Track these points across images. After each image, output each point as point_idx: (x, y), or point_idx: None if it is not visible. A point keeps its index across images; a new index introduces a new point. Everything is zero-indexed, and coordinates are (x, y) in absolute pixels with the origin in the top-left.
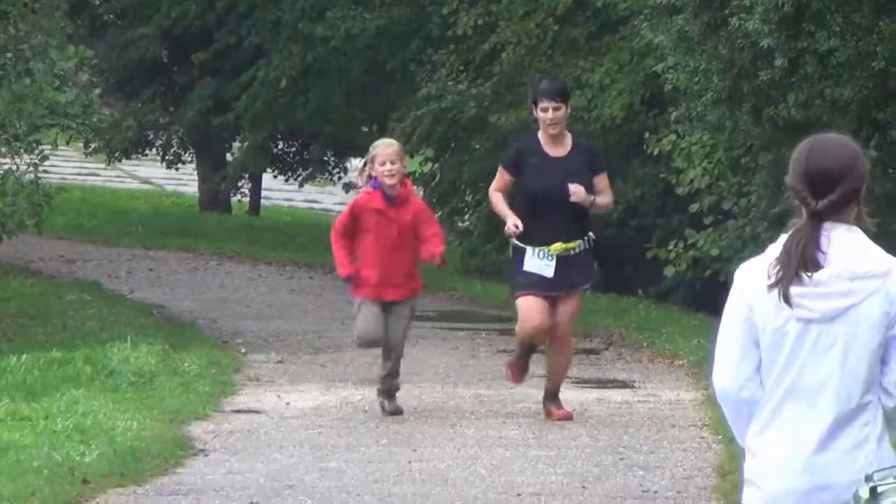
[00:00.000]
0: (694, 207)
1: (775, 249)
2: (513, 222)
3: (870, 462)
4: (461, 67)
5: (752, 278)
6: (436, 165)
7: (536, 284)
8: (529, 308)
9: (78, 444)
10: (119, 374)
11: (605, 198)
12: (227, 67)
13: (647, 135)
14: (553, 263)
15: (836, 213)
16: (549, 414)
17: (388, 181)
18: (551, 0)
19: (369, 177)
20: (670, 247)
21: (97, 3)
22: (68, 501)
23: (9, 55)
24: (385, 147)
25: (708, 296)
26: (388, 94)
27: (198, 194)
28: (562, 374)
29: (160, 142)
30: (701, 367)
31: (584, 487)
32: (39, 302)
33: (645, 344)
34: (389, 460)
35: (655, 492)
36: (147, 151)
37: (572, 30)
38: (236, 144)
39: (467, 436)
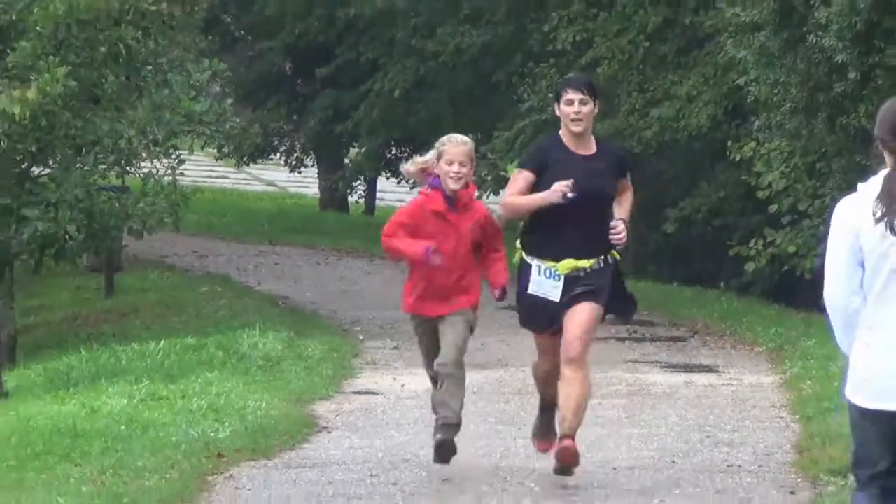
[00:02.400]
0: (773, 208)
1: (869, 189)
2: (557, 185)
3: None
4: (560, 80)
5: (855, 212)
6: None
7: (547, 319)
8: (545, 351)
9: (212, 421)
10: (249, 359)
11: (627, 206)
12: (346, 80)
13: (730, 142)
14: (560, 284)
15: None
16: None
17: (452, 184)
18: (643, 18)
19: (428, 174)
20: (751, 244)
21: (229, 20)
22: (204, 474)
23: (149, 68)
24: (456, 145)
25: (785, 289)
26: (493, 104)
27: (318, 195)
28: (574, 414)
29: (284, 147)
30: (779, 353)
31: (673, 462)
32: (175, 293)
33: (727, 332)
34: (496, 437)
35: (739, 466)
36: (272, 156)
37: (662, 46)
38: (353, 150)
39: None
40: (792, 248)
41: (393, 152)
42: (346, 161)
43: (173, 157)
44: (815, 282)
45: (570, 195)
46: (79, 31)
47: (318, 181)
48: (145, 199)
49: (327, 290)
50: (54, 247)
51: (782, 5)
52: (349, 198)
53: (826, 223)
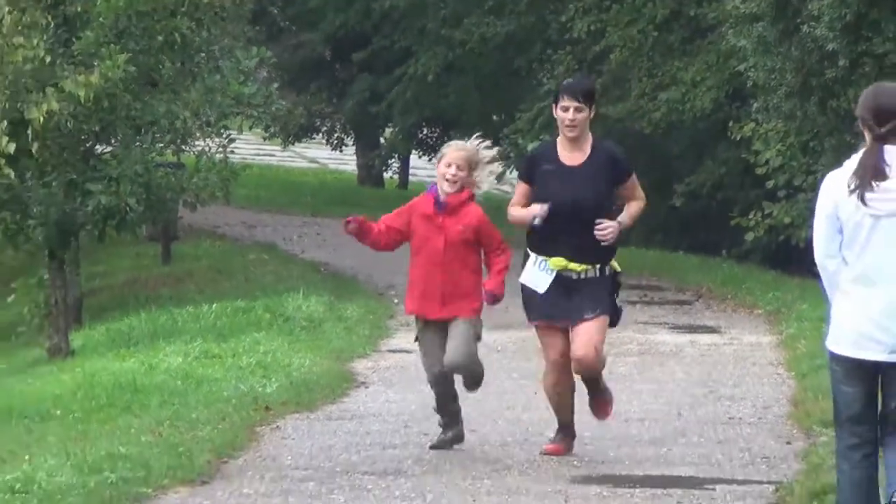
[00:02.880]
0: (770, 183)
1: (851, 165)
2: (538, 206)
3: None
4: (576, 66)
5: (836, 185)
6: None
7: (544, 312)
8: (550, 346)
9: (260, 377)
10: (293, 320)
11: (631, 209)
12: (381, 65)
13: (730, 123)
14: (550, 278)
15: (893, 137)
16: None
17: (447, 187)
18: (651, 10)
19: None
20: (750, 216)
21: (274, 11)
22: (253, 425)
23: (202, 55)
24: (456, 150)
25: (781, 257)
26: (515, 88)
27: (356, 171)
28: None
29: (325, 127)
30: (776, 315)
31: (679, 414)
32: (225, 260)
33: (729, 296)
34: (519, 392)
35: (740, 418)
36: (314, 136)
37: (669, 35)
38: (388, 130)
39: None
40: (787, 220)
41: (424, 132)
42: (382, 140)
43: (224, 136)
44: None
45: (536, 222)
46: (137, 22)
47: (356, 158)
48: (199, 174)
49: (364, 258)
50: (116, 218)
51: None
52: (384, 174)
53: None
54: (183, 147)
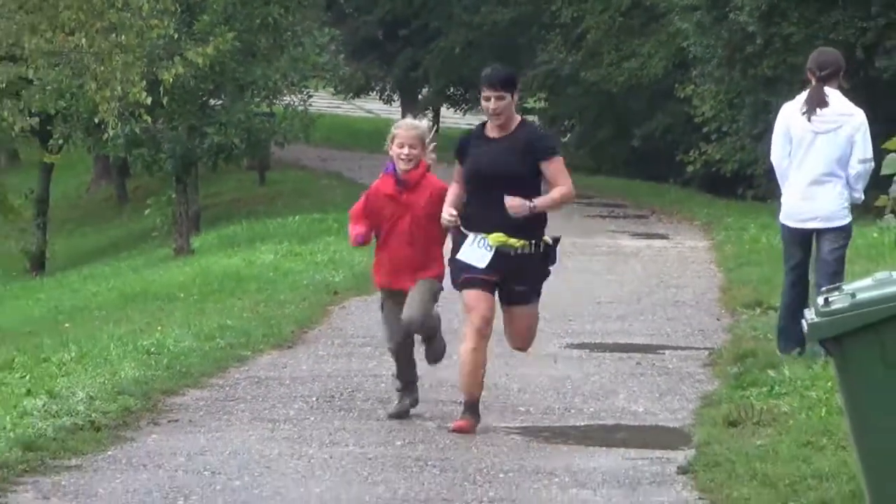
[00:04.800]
0: (705, 129)
1: (801, 98)
2: (447, 211)
3: (834, 202)
4: (563, 43)
5: (789, 111)
6: (546, 103)
7: (469, 272)
8: (473, 307)
9: (331, 270)
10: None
11: (552, 193)
12: (420, 41)
13: (676, 85)
14: (490, 254)
15: (829, 81)
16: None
17: (403, 165)
18: (618, 1)
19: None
20: (690, 154)
21: (341, 1)
22: (324, 304)
23: (288, 33)
24: (407, 129)
25: (713, 183)
26: (519, 59)
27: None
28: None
29: (378, 87)
30: (709, 226)
31: (639, 299)
32: (305, 184)
33: (674, 212)
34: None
35: (683, 302)
36: (370, 93)
37: (631, 21)
38: (425, 89)
39: (568, 267)
40: (718, 156)
41: (451, 91)
42: (420, 97)
43: (304, 93)
44: (735, 178)
45: (450, 220)
46: (241, 9)
47: (400, 110)
48: (285, 121)
49: None
50: (225, 153)
51: None
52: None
53: (740, 139)
54: (274, 101)
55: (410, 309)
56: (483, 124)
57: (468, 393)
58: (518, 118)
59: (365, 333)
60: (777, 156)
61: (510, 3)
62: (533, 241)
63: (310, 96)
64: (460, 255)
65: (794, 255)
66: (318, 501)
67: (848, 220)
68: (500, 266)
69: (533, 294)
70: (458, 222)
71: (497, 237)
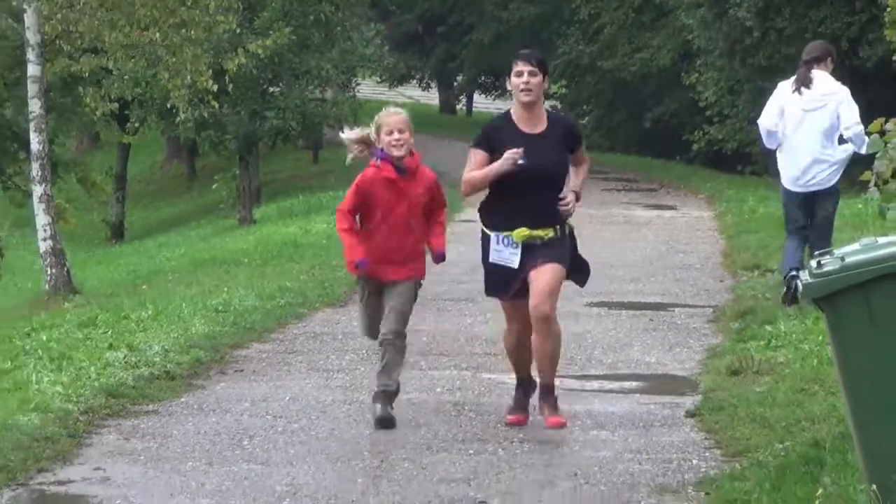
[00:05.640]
0: (708, 113)
1: (793, 79)
2: (509, 153)
3: (825, 171)
4: (581, 36)
5: (783, 90)
6: (567, 89)
7: (506, 285)
8: (512, 318)
9: None
10: None
11: (580, 174)
12: (454, 35)
13: (682, 73)
14: (518, 251)
15: (816, 64)
16: (542, 414)
17: (396, 151)
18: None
19: (371, 148)
20: (695, 134)
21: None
22: None
23: (339, 28)
24: (392, 115)
25: (716, 160)
26: (543, 51)
27: (437, 105)
28: (550, 362)
29: (417, 76)
30: (712, 198)
31: (650, 262)
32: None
33: (682, 185)
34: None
35: (690, 265)
36: (410, 81)
37: (642, 16)
38: (459, 77)
39: (586, 234)
40: (720, 136)
41: (482, 79)
42: (454, 85)
43: (353, 83)
44: (735, 155)
45: (520, 162)
46: (297, 6)
47: (438, 96)
48: (336, 105)
49: (446, 158)
50: (282, 135)
51: None
52: (456, 106)
53: (739, 121)
54: (326, 88)
55: (390, 323)
56: (507, 114)
57: (519, 373)
58: (543, 108)
59: None
60: (765, 120)
61: (535, 0)
62: (557, 226)
63: (357, 84)
64: (492, 259)
65: (797, 218)
66: (368, 442)
67: (834, 181)
68: (529, 255)
69: (559, 255)
70: (522, 156)
71: (521, 233)
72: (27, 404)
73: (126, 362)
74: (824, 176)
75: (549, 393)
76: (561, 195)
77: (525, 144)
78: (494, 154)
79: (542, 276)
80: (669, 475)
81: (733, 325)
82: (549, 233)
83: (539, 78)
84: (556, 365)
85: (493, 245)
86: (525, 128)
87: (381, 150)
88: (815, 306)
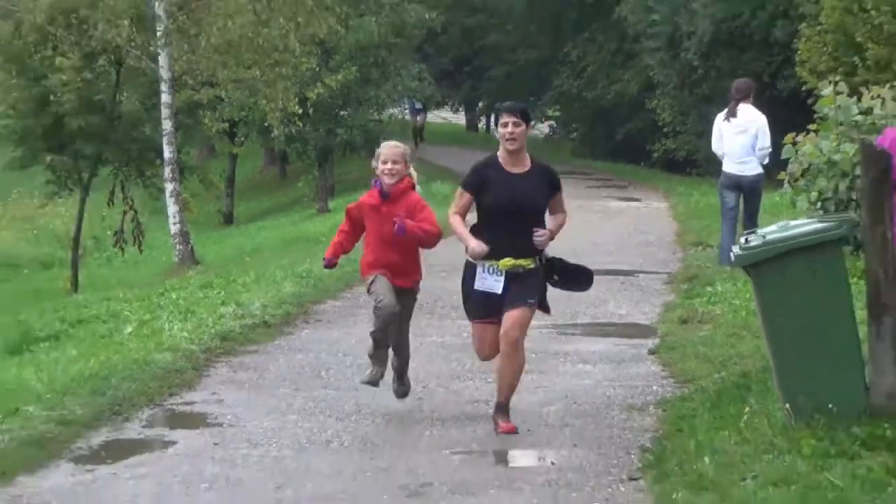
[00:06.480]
0: (665, 129)
1: (725, 111)
2: (476, 244)
3: (752, 171)
4: (571, 73)
5: (718, 118)
6: (560, 113)
7: (484, 309)
8: (482, 339)
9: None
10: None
11: (557, 220)
12: (477, 73)
13: (646, 100)
14: (502, 279)
15: (742, 99)
16: (495, 426)
17: (387, 179)
18: (608, 46)
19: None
20: (655, 145)
21: (425, 47)
22: None
23: (391, 67)
24: (390, 148)
25: (670, 165)
26: (542, 84)
27: (465, 124)
28: (508, 384)
29: (450, 102)
30: (668, 192)
31: (622, 241)
32: None
33: (645, 184)
34: None
35: (651, 242)
36: (444, 106)
37: (616, 58)
38: (480, 103)
39: (575, 220)
40: (673, 147)
41: (497, 105)
42: (477, 109)
43: (402, 107)
44: (686, 162)
45: (470, 257)
46: (360, 51)
47: (464, 117)
48: (390, 124)
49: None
50: (350, 146)
51: (669, 39)
52: (479, 125)
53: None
54: (382, 111)
55: (396, 340)
56: (494, 158)
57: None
58: (527, 155)
59: (441, 263)
60: (715, 144)
61: (536, 47)
62: (537, 258)
63: (404, 109)
64: (477, 286)
65: (729, 200)
66: (413, 374)
67: (761, 178)
68: (510, 284)
69: (533, 291)
70: (485, 252)
71: (506, 263)
72: (161, 346)
73: (234, 314)
74: (748, 169)
75: (503, 412)
76: (535, 229)
77: (510, 182)
78: (482, 191)
79: (517, 310)
80: (636, 397)
81: (683, 286)
82: (529, 263)
83: (522, 127)
84: (514, 388)
85: (479, 273)
86: (510, 168)
87: (377, 178)
88: (744, 272)
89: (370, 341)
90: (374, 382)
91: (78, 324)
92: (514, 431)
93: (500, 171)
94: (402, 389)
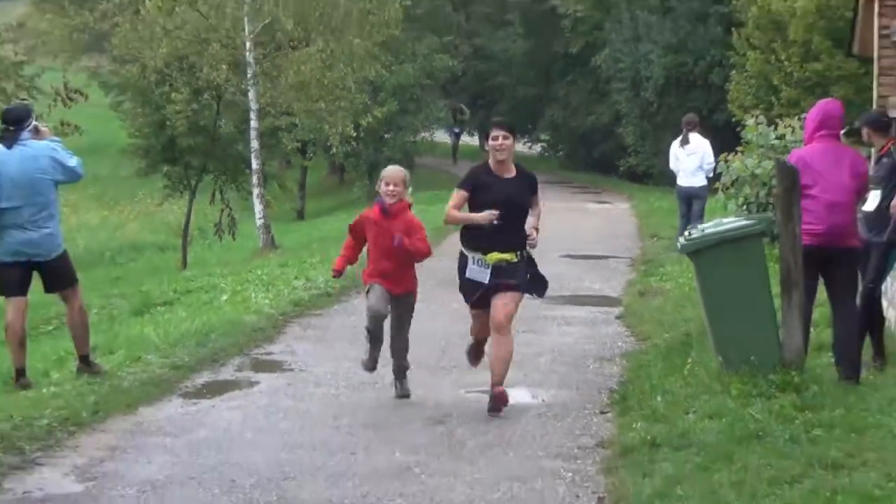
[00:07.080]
0: (629, 150)
1: (679, 138)
2: (486, 213)
3: (700, 182)
4: (559, 107)
5: (674, 144)
6: (550, 137)
7: (474, 296)
8: (474, 323)
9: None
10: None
11: (535, 212)
12: (489, 105)
13: (615, 128)
14: (489, 271)
15: (691, 129)
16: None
17: (388, 199)
18: (585, 86)
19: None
20: (622, 161)
21: (449, 88)
22: (439, 239)
23: (423, 101)
24: (392, 172)
25: (633, 177)
26: (536, 115)
27: (478, 145)
28: (501, 366)
29: (468, 127)
30: (631, 196)
31: (596, 233)
32: (434, 177)
33: (614, 190)
34: None
35: (620, 234)
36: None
37: (592, 95)
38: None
39: (562, 218)
40: (635, 163)
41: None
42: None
43: (430, 131)
44: (646, 175)
45: (495, 222)
46: (400, 90)
47: (479, 141)
48: (422, 144)
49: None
50: (392, 161)
51: (632, 81)
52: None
53: (647, 155)
54: (416, 135)
55: (398, 324)
56: (486, 164)
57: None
58: (512, 164)
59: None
60: (671, 163)
61: (533, 86)
62: (519, 252)
63: (433, 132)
64: (468, 275)
65: (682, 208)
66: (435, 330)
67: (706, 188)
68: (495, 276)
69: (519, 281)
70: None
71: (493, 256)
72: (248, 310)
73: (304, 286)
74: (696, 182)
75: (498, 391)
76: (528, 233)
77: (499, 185)
78: (476, 192)
79: (505, 299)
80: (606, 351)
81: (641, 267)
82: (513, 257)
83: (510, 140)
84: (506, 369)
85: (469, 264)
86: (500, 174)
87: (380, 197)
88: (688, 257)
89: (365, 333)
90: (366, 369)
91: (186, 293)
92: (504, 395)
93: (492, 175)
94: (403, 391)
